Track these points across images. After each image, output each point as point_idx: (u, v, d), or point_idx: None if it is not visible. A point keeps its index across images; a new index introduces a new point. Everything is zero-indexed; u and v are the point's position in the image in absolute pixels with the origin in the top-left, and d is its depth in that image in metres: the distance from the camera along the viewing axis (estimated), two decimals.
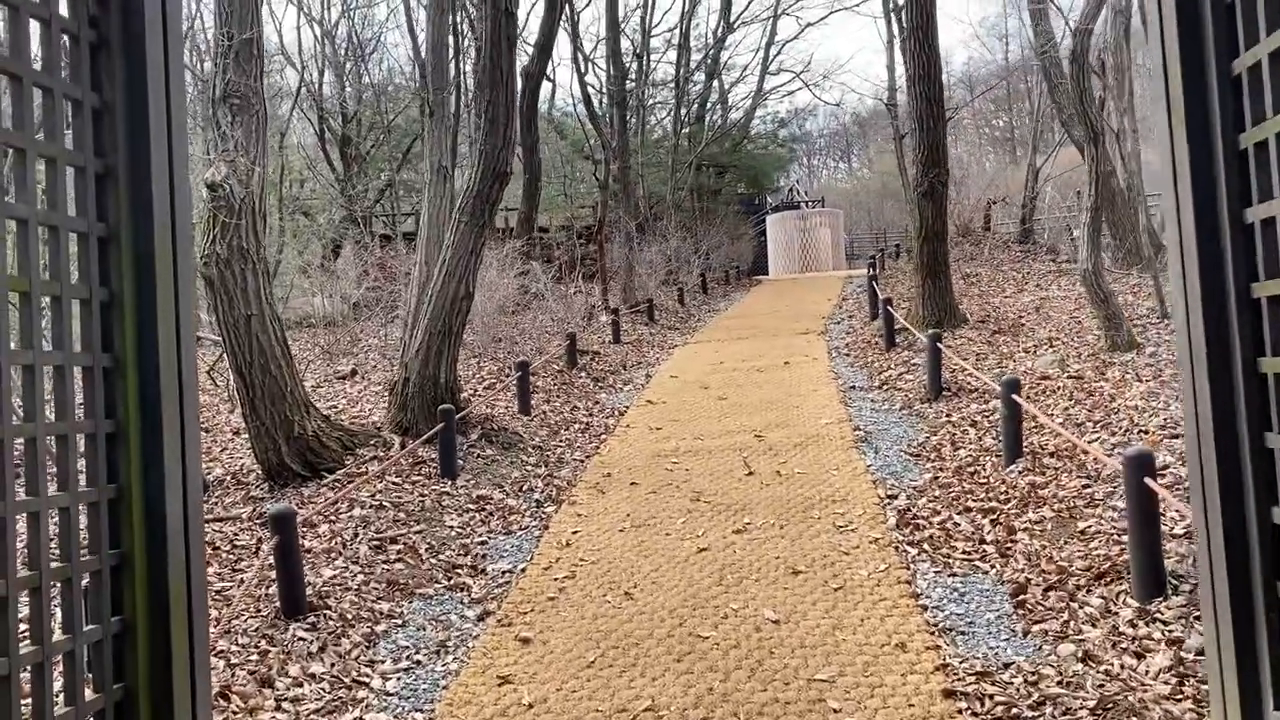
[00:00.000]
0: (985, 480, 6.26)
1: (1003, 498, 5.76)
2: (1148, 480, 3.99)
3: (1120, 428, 6.58)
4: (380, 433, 8.15)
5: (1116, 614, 3.93)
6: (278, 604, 4.83)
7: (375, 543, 5.88)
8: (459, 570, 5.61)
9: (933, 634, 4.13)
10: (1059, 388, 8.48)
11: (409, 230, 30.65)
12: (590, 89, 22.25)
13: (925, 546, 5.19)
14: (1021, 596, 4.31)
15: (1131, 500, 4.05)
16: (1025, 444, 6.53)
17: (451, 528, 6.30)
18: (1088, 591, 4.20)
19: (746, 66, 39.52)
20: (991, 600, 4.40)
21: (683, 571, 5.11)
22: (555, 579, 5.24)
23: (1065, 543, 4.79)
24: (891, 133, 19.99)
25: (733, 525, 5.85)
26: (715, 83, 35.73)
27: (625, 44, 23.87)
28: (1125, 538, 4.62)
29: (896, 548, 5.22)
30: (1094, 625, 3.91)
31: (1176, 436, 6.10)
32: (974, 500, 5.87)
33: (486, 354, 13.39)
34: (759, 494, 6.48)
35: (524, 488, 7.27)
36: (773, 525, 5.77)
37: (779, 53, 37.72)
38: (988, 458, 6.83)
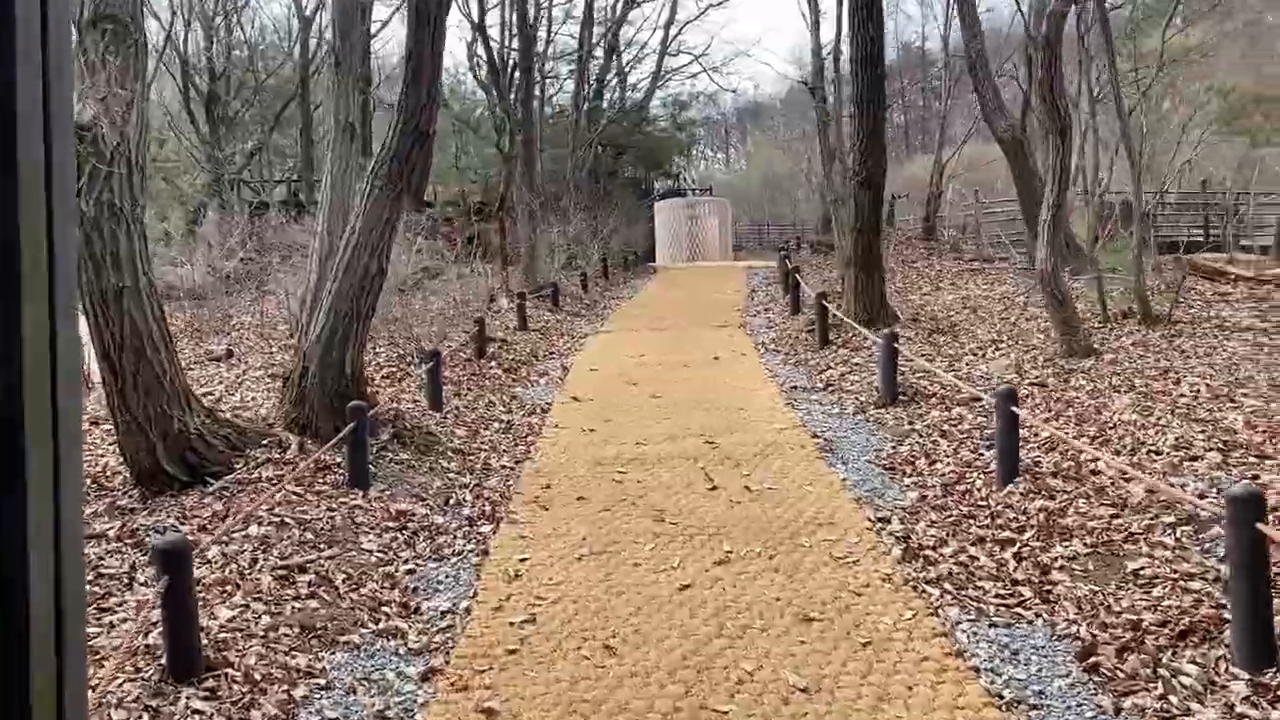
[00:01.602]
0: (984, 503, 5.68)
1: (1015, 526, 5.18)
2: (1260, 526, 3.40)
3: (1125, 445, 6.11)
4: (274, 430, 7.08)
5: (1225, 687, 3.34)
6: (164, 661, 3.84)
7: (280, 571, 4.89)
8: (387, 609, 4.68)
9: (1001, 709, 3.46)
10: (1026, 395, 8.03)
11: (282, 199, 28.89)
12: (489, 54, 21.08)
13: (947, 586, 4.54)
14: (1093, 659, 3.69)
15: (1237, 548, 3.46)
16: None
17: (370, 552, 5.35)
18: (1174, 654, 3.60)
19: (645, 44, 38.74)
20: (1053, 662, 3.77)
21: (670, 617, 4.32)
22: (512, 624, 4.37)
23: (1119, 588, 4.21)
24: (813, 118, 19.57)
25: (712, 554, 5.09)
26: (615, 60, 34.94)
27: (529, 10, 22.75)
28: (1195, 584, 4.07)
29: (915, 587, 4.56)
30: (1200, 702, 3.30)
31: (1196, 459, 5.64)
32: (980, 527, 5.27)
33: (380, 337, 12.27)
34: (731, 514, 5.75)
35: (450, 501, 6.34)
36: (759, 555, 5.04)
37: (679, 33, 37.15)
38: (974, 474, 6.27)
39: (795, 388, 9.84)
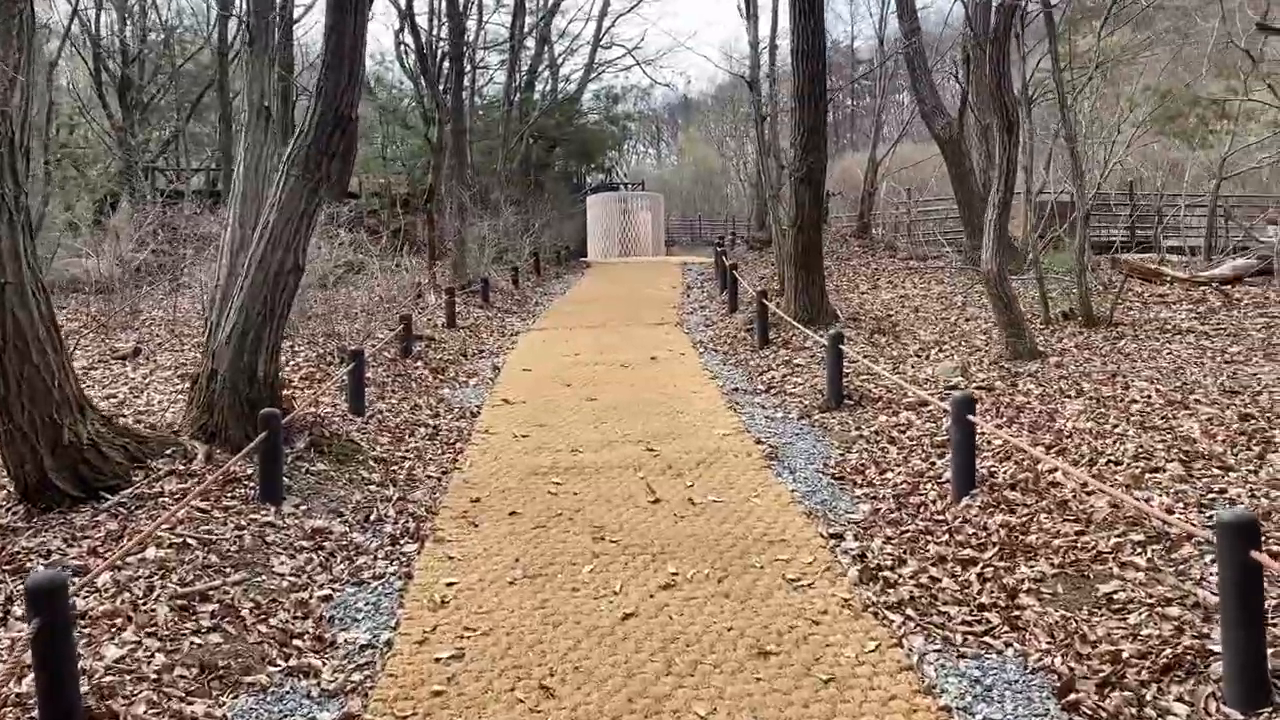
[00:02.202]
0: (941, 517, 5.43)
1: (976, 543, 4.93)
2: (1255, 555, 3.17)
3: (1083, 455, 5.91)
4: (179, 438, 6.55)
5: None
6: (35, 715, 3.37)
7: (180, 601, 4.42)
8: (299, 642, 4.24)
9: None
10: (974, 400, 7.83)
11: (199, 188, 27.81)
12: (419, 42, 20.44)
13: (910, 612, 4.26)
14: (1072, 695, 3.42)
15: (1230, 578, 3.22)
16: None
17: (282, 575, 4.90)
18: (1159, 691, 3.35)
19: (578, 35, 38.33)
20: (1029, 699, 3.50)
21: (613, 651, 3.96)
22: (438, 659, 3.98)
23: (1092, 614, 3.96)
24: (751, 114, 19.38)
25: (656, 577, 4.74)
26: (547, 50, 34.43)
27: None
28: (1173, 610, 3.84)
29: (875, 613, 4.27)
30: None
31: (1158, 470, 5.46)
32: (939, 545, 5.01)
33: (300, 335, 11.70)
34: (675, 530, 5.41)
35: (371, 516, 5.90)
36: (708, 578, 4.70)
37: (612, 25, 36.79)
38: (928, 485, 6.03)
39: (736, 390, 9.56)
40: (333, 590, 4.83)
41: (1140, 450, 5.78)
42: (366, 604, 4.67)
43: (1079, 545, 4.61)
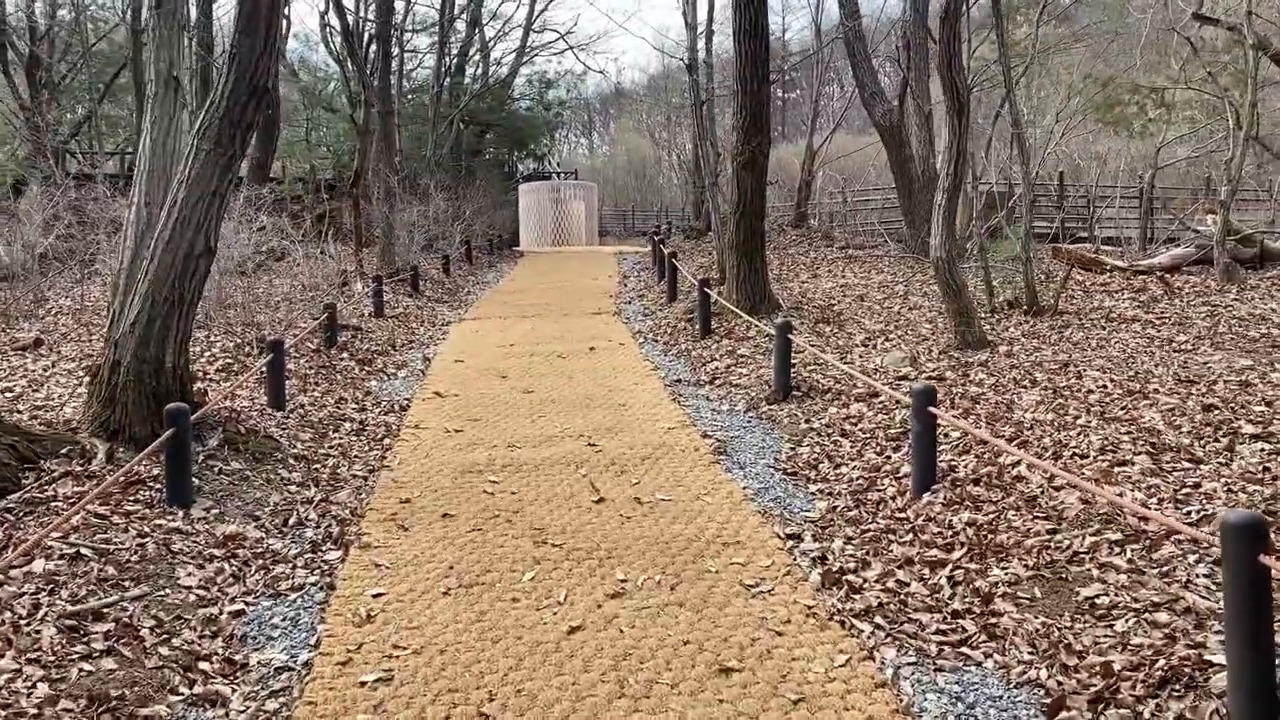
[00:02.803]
0: (902, 515, 5.17)
1: (943, 543, 4.67)
2: (1264, 558, 2.92)
3: (1045, 448, 5.70)
4: (77, 436, 6.01)
5: None
6: None
7: (70, 621, 3.95)
8: (207, 665, 3.81)
9: None
10: (935, 392, 7.61)
11: (113, 172, 26.64)
12: (344, 22, 19.72)
13: (879, 620, 3.97)
14: (1064, 714, 3.16)
15: (1236, 583, 2.97)
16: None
17: (188, 589, 4.44)
18: (1158, 709, 3.10)
19: (510, 18, 37.68)
20: (1016, 717, 3.23)
21: (559, 670, 3.60)
22: (363, 683, 3.58)
23: (1075, 621, 3.72)
24: (690, 99, 19.09)
25: (604, 584, 4.39)
26: (478, 33, 33.77)
27: None
28: (1162, 616, 3.61)
29: (842, 622, 3.97)
30: None
31: (1126, 463, 5.26)
32: (903, 545, 4.75)
33: (216, 324, 11.10)
34: (622, 532, 5.06)
35: (290, 520, 5.44)
36: (659, 585, 4.37)
37: (545, 8, 36.17)
38: (886, 481, 5.77)
39: (680, 381, 9.24)
40: (246, 604, 4.39)
41: (1106, 442, 5.58)
42: (284, 619, 4.24)
43: (1053, 545, 4.37)
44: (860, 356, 9.35)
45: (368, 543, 5.06)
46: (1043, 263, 14.16)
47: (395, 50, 25.29)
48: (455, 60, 32.78)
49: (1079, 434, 5.83)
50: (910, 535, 4.87)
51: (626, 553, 4.77)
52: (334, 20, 21.15)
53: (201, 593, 4.43)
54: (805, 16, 54.54)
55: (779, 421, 7.49)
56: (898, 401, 6.76)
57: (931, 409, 5.42)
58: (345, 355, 10.55)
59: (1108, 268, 13.81)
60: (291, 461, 6.45)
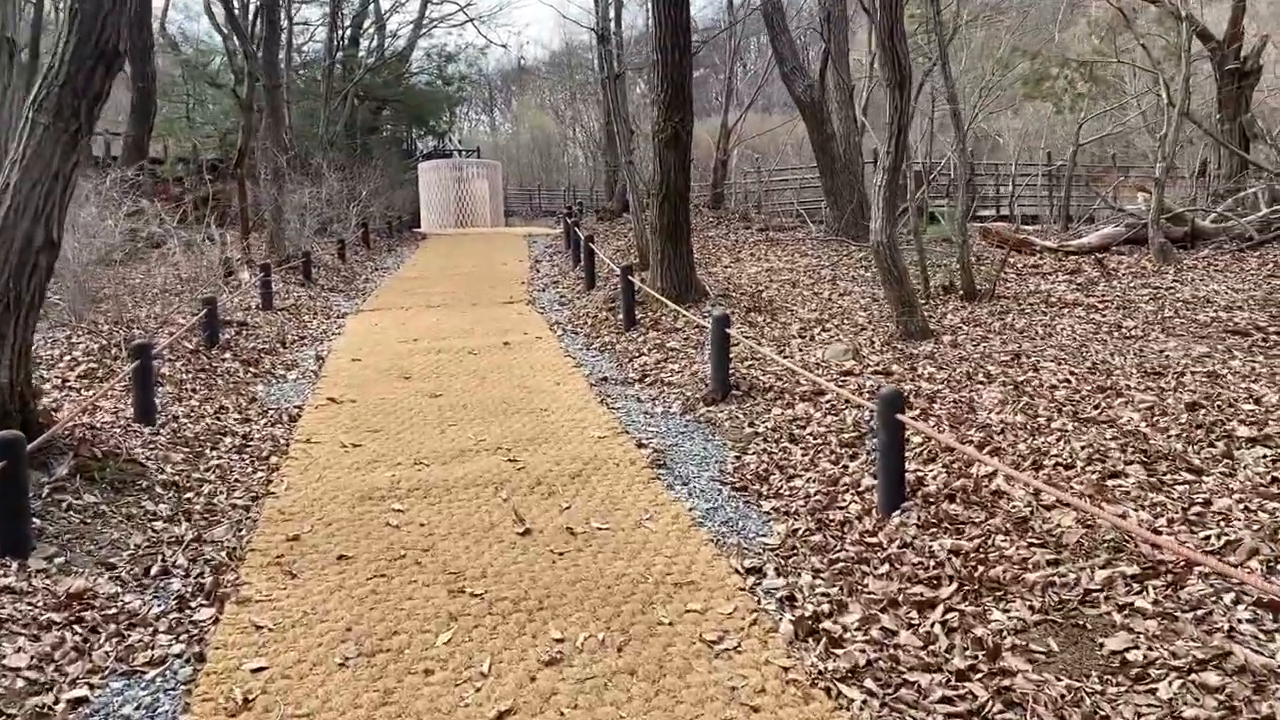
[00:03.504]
0: (873, 540, 4.58)
1: (927, 576, 4.09)
2: None
3: (1022, 457, 5.18)
4: None
5: None
6: None
7: None
8: None
9: None
10: (903, 397, 7.08)
11: None
12: None
13: (871, 685, 3.37)
14: None
15: None
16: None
17: (16, 671, 3.61)
18: None
19: None
20: None
21: None
22: None
23: (1105, 683, 3.16)
24: (601, 74, 18.37)
25: (537, 647, 3.70)
26: (373, 4, 32.41)
27: None
28: (1212, 677, 3.07)
29: (828, 690, 3.36)
30: None
31: (1116, 475, 4.77)
32: (880, 579, 4.16)
33: (81, 323, 10.02)
34: (554, 574, 4.37)
35: (153, 568, 4.60)
36: (604, 645, 3.69)
37: None
38: (848, 496, 5.19)
39: (606, 379, 8.56)
40: (91, 687, 3.58)
41: (1091, 450, 5.09)
42: (138, 708, 3.45)
43: (1058, 580, 3.83)
44: (799, 349, 8.80)
45: (247, 596, 4.27)
46: (971, 244, 13.84)
47: (285, 22, 23.95)
48: (349, 32, 31.40)
49: (1058, 440, 5.34)
50: (886, 566, 4.29)
51: (561, 602, 4.08)
52: None
53: (34, 675, 3.60)
54: None
55: (720, 425, 6.87)
56: (847, 401, 6.20)
57: (899, 417, 4.84)
58: (228, 356, 9.58)
59: (1037, 249, 13.56)
60: (159, 490, 5.57)
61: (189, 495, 5.59)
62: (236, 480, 5.96)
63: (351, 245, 21.03)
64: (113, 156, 23.60)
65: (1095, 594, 3.69)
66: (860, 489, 5.24)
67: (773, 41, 16.73)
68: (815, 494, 5.32)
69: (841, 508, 5.08)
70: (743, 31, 28.78)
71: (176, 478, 5.83)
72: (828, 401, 6.89)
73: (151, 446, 6.33)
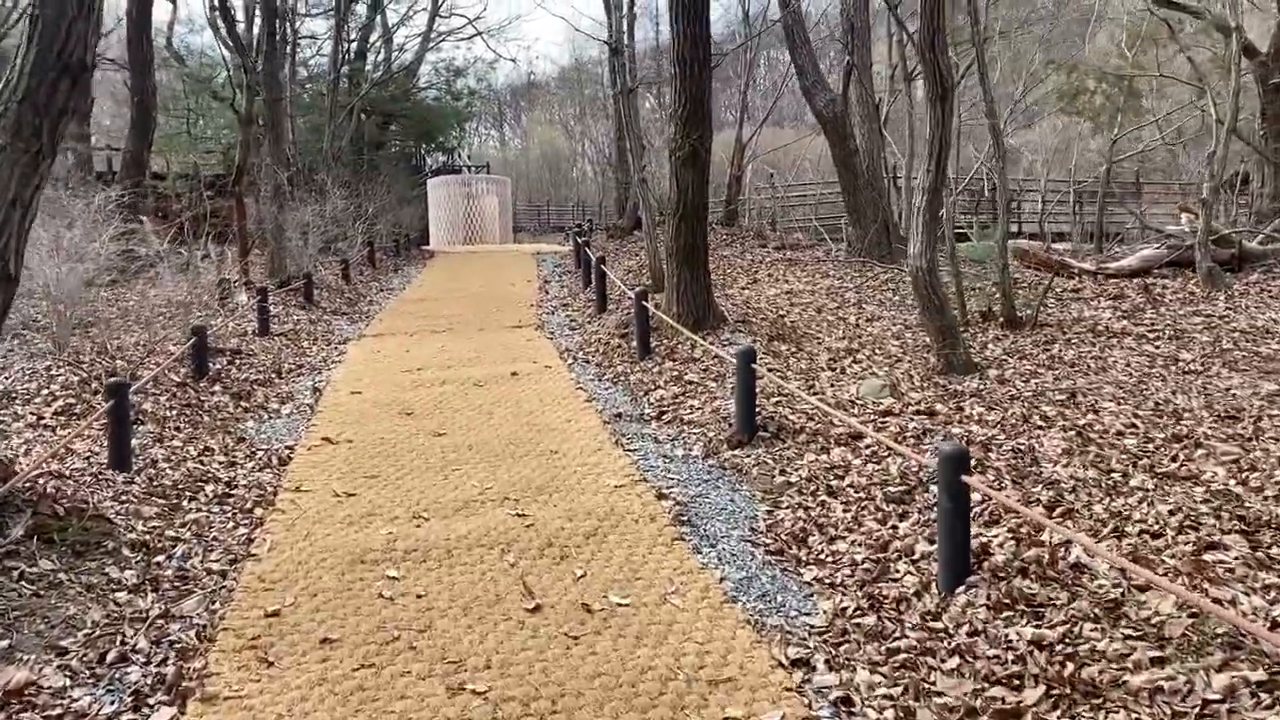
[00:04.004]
0: (936, 624, 4.01)
1: (1005, 674, 3.52)
2: None
3: (1100, 521, 4.61)
4: None
5: None
6: None
7: None
8: None
9: None
10: (924, 432, 6.53)
11: None
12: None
13: None
14: None
15: None
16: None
17: None
18: None
19: (416, 1, 35.92)
20: None
21: None
22: None
23: None
24: (612, 88, 17.92)
25: None
26: (380, 16, 32.07)
27: None
28: None
29: None
30: None
31: (1214, 546, 4.19)
32: (951, 676, 3.59)
33: (63, 353, 9.50)
34: (568, 665, 3.81)
35: (109, 654, 4.05)
36: None
37: None
38: (901, 565, 4.62)
39: (620, 415, 8.00)
40: None
41: (1180, 515, 4.52)
42: None
43: (1166, 686, 3.26)
44: (829, 383, 8.23)
45: (214, 692, 3.71)
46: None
47: (289, 33, 23.58)
48: (355, 45, 31.04)
49: (1140, 501, 4.76)
50: (956, 659, 3.72)
51: (578, 704, 3.51)
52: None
53: None
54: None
55: (747, 473, 6.30)
56: (889, 449, 5.64)
57: (966, 479, 4.27)
58: (218, 389, 9.06)
59: (1075, 271, 12.99)
60: (126, 553, 5.03)
61: (159, 559, 5.04)
62: (215, 539, 5.42)
63: (356, 264, 20.57)
64: (114, 172, 23.23)
65: (1215, 705, 3.11)
66: (915, 557, 4.67)
67: (792, 54, 16.22)
68: (863, 561, 4.75)
69: (895, 580, 4.51)
70: (758, 45, 28.33)
71: (148, 536, 5.29)
72: (868, 446, 6.33)
73: (124, 499, 5.79)
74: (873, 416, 7.06)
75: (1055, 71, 14.12)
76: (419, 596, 4.51)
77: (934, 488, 5.49)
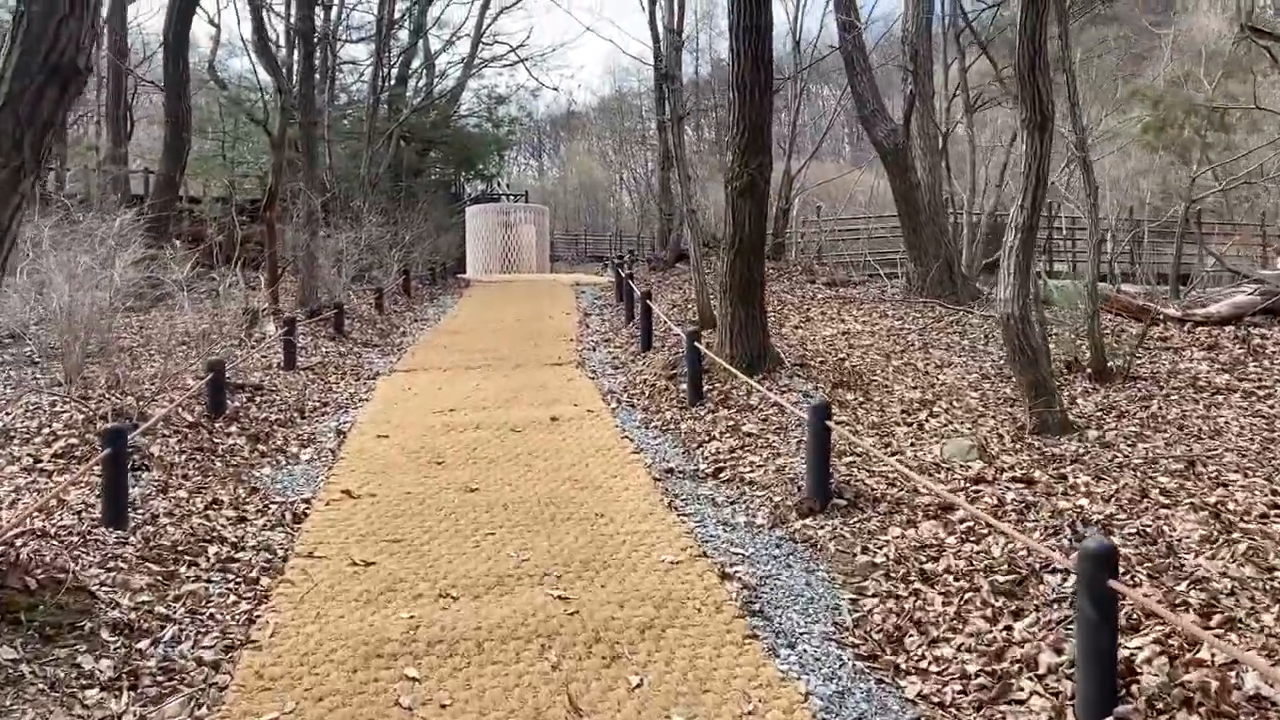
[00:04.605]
0: None
1: None
2: None
3: (1274, 636, 3.79)
4: None
5: None
6: None
7: None
8: None
9: None
10: (1026, 505, 5.73)
11: None
12: (257, 14, 17.60)
13: None
14: None
15: None
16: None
17: None
18: None
19: (460, 26, 35.70)
20: None
21: None
22: None
23: None
24: (659, 113, 17.38)
25: None
26: (422, 41, 31.83)
27: None
28: None
29: None
30: None
31: None
32: None
33: (72, 385, 8.92)
34: None
35: None
36: None
37: (495, 19, 34.20)
38: (1025, 683, 3.84)
39: (671, 471, 7.27)
40: None
41: None
42: None
43: None
44: (907, 440, 7.45)
45: None
46: (1076, 309, 12.40)
47: (329, 55, 23.28)
48: (396, 70, 30.78)
49: None
50: None
51: None
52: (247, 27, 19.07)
53: None
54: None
55: (823, 549, 5.53)
56: (988, 526, 4.84)
57: (1113, 583, 3.49)
58: (234, 429, 8.42)
59: (1159, 318, 12.12)
60: (105, 637, 4.34)
61: (143, 644, 4.34)
62: (211, 617, 4.72)
63: (390, 293, 20.05)
64: (133, 195, 22.99)
65: None
66: (1040, 671, 3.89)
67: (852, 82, 15.52)
68: (976, 674, 3.97)
69: (1020, 702, 3.73)
70: (809, 75, 27.72)
71: (134, 614, 4.60)
72: (962, 521, 5.54)
73: (113, 564, 5.11)
74: (963, 484, 6.27)
75: (1141, 103, 13.33)
76: (443, 707, 3.78)
77: (1050, 577, 4.73)
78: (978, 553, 5.14)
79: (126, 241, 10.90)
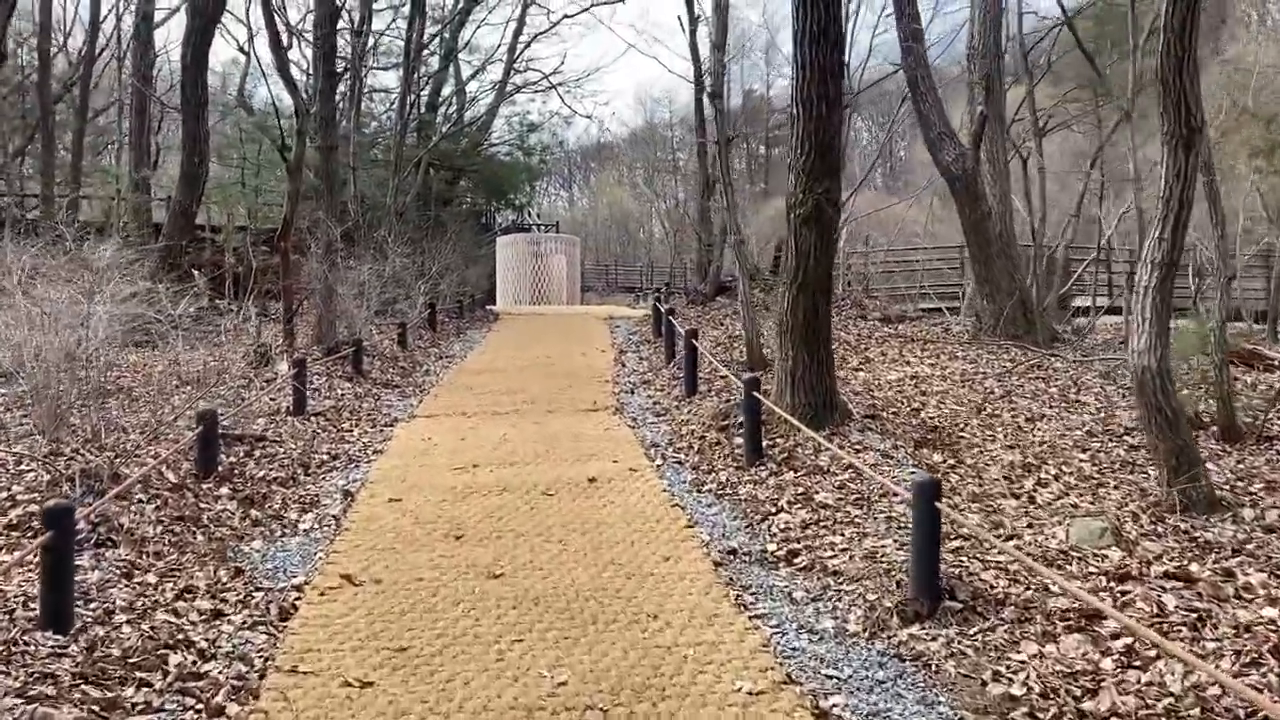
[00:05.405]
0: None
1: None
2: None
3: None
4: None
5: None
6: None
7: None
8: None
9: None
10: (1196, 615, 4.57)
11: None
12: (273, 29, 16.80)
13: None
14: None
15: None
16: None
17: None
18: None
19: (492, 53, 34.98)
20: None
21: None
22: None
23: None
24: (699, 139, 16.45)
25: None
26: (453, 66, 31.16)
27: None
28: None
29: None
30: None
31: None
32: None
33: (44, 439, 7.93)
34: None
35: None
36: None
37: (528, 46, 33.43)
38: None
39: (735, 553, 6.15)
40: None
41: None
42: None
43: None
44: (1021, 519, 6.28)
45: None
46: (1193, 355, 11.19)
47: (356, 80, 22.55)
48: (426, 97, 30.09)
49: None
50: None
51: None
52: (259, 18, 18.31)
53: None
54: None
55: (939, 670, 4.39)
56: (1147, 642, 3.70)
57: None
58: (225, 491, 7.40)
59: (1274, 363, 10.90)
60: None
61: None
62: None
63: (415, 327, 19.11)
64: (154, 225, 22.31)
65: None
66: None
67: (916, 104, 14.44)
68: None
69: None
70: (851, 102, 26.67)
71: None
72: (1115, 635, 4.39)
73: (36, 687, 4.06)
74: (1104, 580, 5.12)
75: (1252, 121, 12.22)
76: None
77: None
78: (1148, 684, 4.01)
79: (121, 274, 9.95)
